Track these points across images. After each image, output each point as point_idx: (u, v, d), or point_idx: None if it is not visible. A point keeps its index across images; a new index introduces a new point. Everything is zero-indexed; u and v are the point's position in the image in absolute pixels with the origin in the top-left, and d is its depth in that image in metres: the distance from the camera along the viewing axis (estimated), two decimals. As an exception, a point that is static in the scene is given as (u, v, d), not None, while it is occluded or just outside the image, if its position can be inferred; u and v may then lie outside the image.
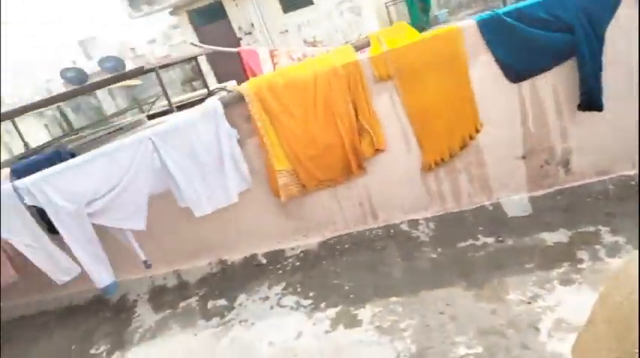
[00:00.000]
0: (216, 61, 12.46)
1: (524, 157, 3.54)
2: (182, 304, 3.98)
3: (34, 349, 4.00)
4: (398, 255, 3.53)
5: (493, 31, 3.17)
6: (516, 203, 3.63)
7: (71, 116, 14.89)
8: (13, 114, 5.38)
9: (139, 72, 4.65)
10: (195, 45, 5.05)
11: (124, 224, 3.66)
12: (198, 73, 15.06)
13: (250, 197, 3.93)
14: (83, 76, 18.01)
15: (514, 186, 3.65)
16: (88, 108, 15.14)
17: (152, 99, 5.83)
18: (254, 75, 5.33)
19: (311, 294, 3.46)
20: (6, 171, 3.72)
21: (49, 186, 3.40)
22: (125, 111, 7.20)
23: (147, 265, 3.92)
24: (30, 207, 3.52)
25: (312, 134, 3.58)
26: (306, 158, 3.68)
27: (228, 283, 4.05)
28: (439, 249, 3.42)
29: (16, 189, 3.37)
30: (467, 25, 3.24)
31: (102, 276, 3.71)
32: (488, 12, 3.21)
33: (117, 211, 3.58)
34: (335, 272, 3.62)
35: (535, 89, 3.33)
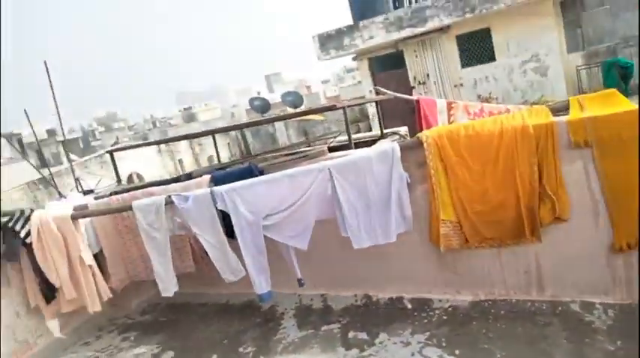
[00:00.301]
0: (383, 106, 12.98)
1: None
2: (324, 327, 4.13)
3: (194, 334, 4.53)
4: (564, 336, 3.17)
5: None
6: None
7: (249, 138, 16.78)
8: (211, 132, 6.37)
9: (331, 108, 5.13)
10: (380, 90, 5.37)
11: (290, 241, 3.99)
12: (365, 116, 15.80)
13: (408, 240, 3.96)
14: (267, 105, 20.46)
15: None
16: (264, 134, 16.91)
17: (334, 135, 6.35)
18: (428, 123, 5.43)
19: (457, 352, 3.31)
20: (207, 177, 4.38)
21: (238, 196, 3.90)
22: (301, 144, 7.95)
23: (300, 283, 4.19)
24: (218, 211, 4.07)
25: (486, 189, 3.50)
26: (474, 212, 3.60)
27: (371, 318, 4.09)
28: (618, 343, 2.99)
29: (212, 194, 3.95)
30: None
31: (262, 284, 4.07)
32: None
33: (287, 228, 3.93)
34: (487, 336, 3.40)
35: None
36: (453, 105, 5.75)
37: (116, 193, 4.67)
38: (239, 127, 6.78)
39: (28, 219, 4.15)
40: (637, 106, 3.09)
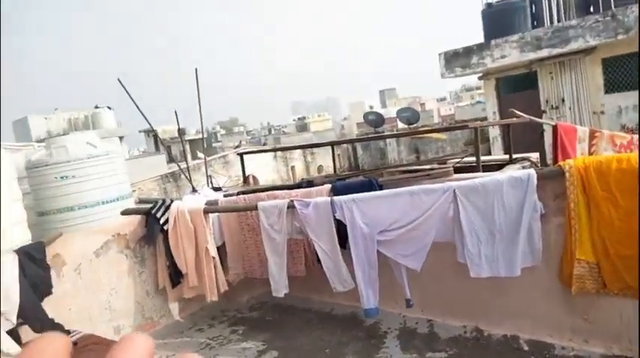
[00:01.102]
0: (507, 128, 12.21)
1: None
2: (429, 354, 3.95)
3: (298, 338, 4.63)
4: None
5: None
6: None
7: (359, 152, 16.90)
8: (330, 143, 6.54)
9: (463, 127, 4.98)
10: (515, 112, 5.07)
11: (403, 260, 3.91)
12: (485, 138, 15.05)
13: (532, 275, 3.65)
14: (381, 120, 20.39)
15: None
16: (374, 148, 16.92)
17: (463, 155, 6.14)
18: (565, 151, 4.99)
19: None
20: (328, 186, 4.49)
21: (356, 208, 3.94)
22: (415, 163, 7.82)
23: (409, 304, 4.08)
24: (335, 220, 4.14)
25: (635, 231, 3.08)
26: (618, 255, 3.20)
27: (481, 354, 3.82)
28: None
29: (332, 203, 4.03)
30: None
31: (369, 299, 4.05)
32: None
33: (401, 246, 3.86)
34: (621, 399, 2.99)
35: None
36: (596, 134, 5.22)
37: (243, 193, 4.99)
38: (359, 140, 6.88)
39: (167, 208, 4.63)
40: None
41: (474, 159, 7.23)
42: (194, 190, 5.54)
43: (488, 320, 4.09)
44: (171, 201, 4.67)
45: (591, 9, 12.85)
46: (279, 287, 4.35)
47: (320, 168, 15.69)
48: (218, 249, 4.81)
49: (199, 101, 5.85)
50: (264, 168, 13.50)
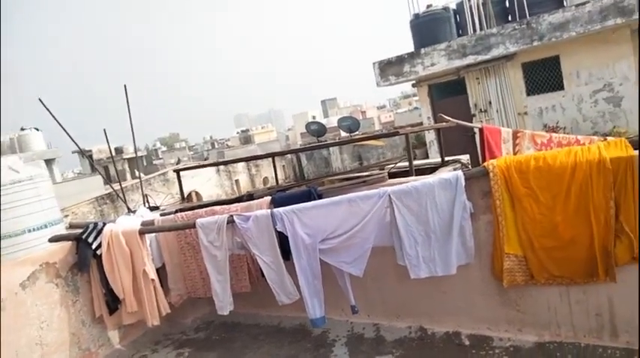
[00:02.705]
0: (442, 133, 12.77)
1: None
2: (377, 358, 4.02)
3: (246, 355, 4.54)
4: (643, 390, 2.90)
5: None
6: None
7: (303, 162, 16.97)
8: (271, 155, 6.53)
9: (394, 134, 5.12)
10: (443, 117, 5.30)
11: (345, 267, 3.96)
12: (422, 143, 15.59)
13: (468, 273, 3.83)
14: (323, 129, 20.58)
15: None
16: (318, 158, 17.04)
17: (394, 161, 6.31)
18: (492, 152, 5.28)
19: (520, 398, 3.10)
20: (268, 198, 4.47)
21: (297, 218, 3.94)
22: (358, 170, 7.97)
23: (354, 310, 4.13)
24: (277, 233, 4.13)
25: (556, 224, 3.32)
26: (542, 248, 3.42)
27: (426, 353, 3.93)
28: None
29: (272, 215, 4.02)
30: None
31: (315, 309, 4.05)
32: None
33: (344, 253, 3.91)
34: (554, 382, 3.17)
35: None
36: (519, 135, 5.57)
37: (181, 210, 4.86)
38: (298, 151, 6.92)
39: (100, 231, 4.41)
40: None
41: (420, 162, 7.49)
42: (130, 211, 5.32)
43: (431, 319, 4.22)
44: (104, 224, 4.45)
45: (509, 18, 13.77)
46: (224, 305, 4.26)
47: (265, 180, 15.58)
48: (158, 270, 4.63)
49: (130, 118, 5.65)
50: (208, 184, 13.22)
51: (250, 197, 4.73)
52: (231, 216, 4.14)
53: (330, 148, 16.81)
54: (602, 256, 3.19)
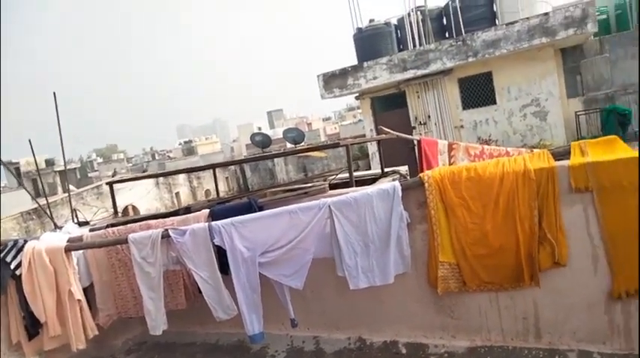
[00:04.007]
0: (384, 145, 13.08)
1: None
2: (317, 372, 3.98)
3: (182, 375, 4.36)
4: (564, 389, 3.04)
5: None
6: None
7: (248, 173, 16.80)
8: (211, 166, 6.36)
9: (335, 145, 5.15)
10: (384, 129, 5.41)
11: (285, 280, 3.90)
12: (365, 154, 15.87)
13: (405, 282, 3.89)
14: (268, 141, 20.51)
15: None
16: (263, 169, 16.92)
17: (335, 172, 6.35)
18: (429, 163, 5.44)
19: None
20: (205, 211, 4.34)
21: (235, 231, 3.85)
22: (301, 181, 7.97)
23: (293, 324, 4.07)
24: (215, 246, 4.01)
25: (486, 232, 3.45)
26: (474, 255, 3.54)
27: (365, 364, 3.94)
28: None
29: (210, 229, 3.90)
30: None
31: (254, 324, 3.95)
32: None
33: (283, 266, 3.85)
34: (485, 386, 3.27)
35: None
36: (454, 146, 5.78)
37: (113, 225, 4.61)
38: (240, 162, 6.83)
39: (20, 249, 4.08)
40: (637, 153, 3.08)
41: (361, 173, 7.58)
42: (56, 227, 4.98)
43: (369, 329, 4.24)
44: (25, 242, 4.13)
45: (447, 34, 14.42)
46: (157, 324, 4.06)
47: (207, 193, 15.23)
48: (85, 289, 4.35)
49: (59, 128, 5.32)
50: (147, 197, 12.72)
51: (187, 210, 4.57)
52: (167, 230, 3.98)
53: (275, 160, 16.75)
54: (528, 262, 3.35)
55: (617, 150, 3.25)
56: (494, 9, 14.43)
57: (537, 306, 3.50)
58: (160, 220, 4.40)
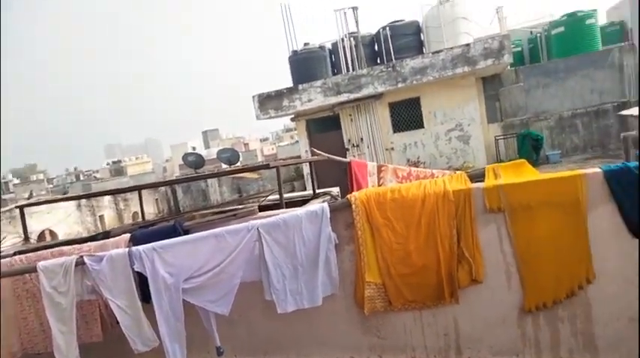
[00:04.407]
0: (318, 166, 13.25)
1: (641, 321, 3.15)
2: (244, 401, 3.84)
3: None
4: (483, 403, 3.15)
5: (621, 183, 3.09)
6: (629, 373, 3.16)
7: (179, 195, 16.26)
8: (136, 188, 6.10)
9: (265, 167, 5.11)
10: (315, 151, 5.47)
11: (211, 306, 3.76)
12: (300, 175, 15.95)
13: (333, 303, 3.89)
14: (201, 161, 20.08)
15: (626, 351, 3.24)
16: (195, 190, 16.48)
17: (266, 194, 6.29)
18: (359, 185, 5.55)
19: None
20: (126, 236, 4.12)
21: (158, 257, 3.67)
22: (234, 202, 7.84)
23: (219, 352, 3.92)
24: (135, 273, 3.80)
25: (410, 252, 3.56)
26: (398, 275, 3.63)
27: (295, 390, 3.86)
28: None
29: (130, 255, 3.69)
30: (592, 172, 3.19)
31: (176, 355, 3.76)
32: (618, 163, 3.17)
33: (209, 292, 3.72)
34: (410, 405, 3.31)
35: (661, 248, 3.05)
36: (382, 168, 5.95)
37: (21, 253, 4.24)
38: (166, 184, 6.57)
39: None
40: (543, 176, 3.34)
41: (293, 195, 7.55)
42: (-46, 255, 4.49)
43: (298, 353, 4.18)
44: None
45: (378, 60, 15.02)
46: (69, 359, 3.75)
47: (135, 215, 14.52)
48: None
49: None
50: (67, 220, 11.91)
51: (106, 235, 4.32)
52: (82, 256, 3.72)
53: (209, 181, 16.38)
54: (448, 280, 3.48)
55: (525, 172, 3.50)
56: (422, 38, 15.27)
57: (457, 322, 3.63)
58: (76, 246, 4.11)
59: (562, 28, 15.67)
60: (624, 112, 9.99)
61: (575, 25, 15.37)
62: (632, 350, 3.21)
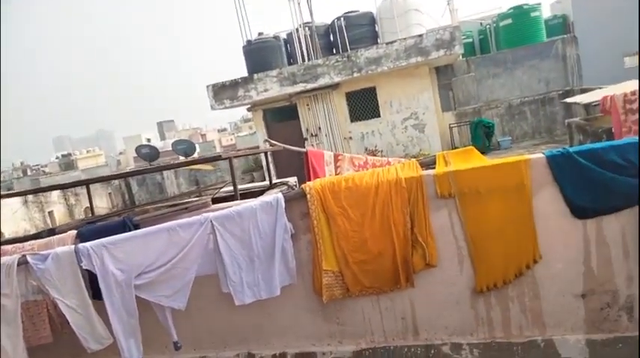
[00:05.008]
0: (277, 156, 13.19)
1: (583, 296, 3.36)
2: (203, 395, 3.80)
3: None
4: (438, 382, 3.27)
5: (563, 167, 3.22)
6: (571, 344, 3.38)
7: (134, 188, 15.82)
8: (84, 182, 5.84)
9: (217, 158, 5.00)
10: (270, 141, 5.41)
11: (166, 301, 3.68)
12: (260, 166, 15.83)
13: (291, 293, 3.89)
14: (156, 153, 19.52)
15: (570, 325, 3.43)
16: (151, 183, 16.05)
17: (220, 185, 6.18)
18: (316, 174, 5.56)
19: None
20: (72, 233, 3.95)
21: (107, 253, 3.55)
22: (190, 194, 7.67)
23: (177, 347, 3.85)
24: (84, 271, 3.66)
25: (365, 239, 3.60)
26: (355, 262, 3.67)
27: (254, 381, 3.86)
28: (485, 383, 3.14)
29: (76, 252, 3.54)
30: (535, 158, 3.32)
31: (132, 351, 3.67)
32: (559, 149, 3.30)
33: (163, 287, 3.64)
34: (368, 388, 3.38)
35: (601, 228, 3.25)
36: (339, 158, 5.98)
37: (-44, 254, 3.98)
38: (117, 177, 6.33)
39: None
40: (490, 162, 3.45)
41: (249, 186, 7.46)
42: None
43: (258, 344, 4.17)
44: None
45: (334, 50, 15.01)
46: (16, 363, 3.57)
47: (87, 210, 13.98)
48: None
49: None
50: (13, 218, 11.31)
51: (52, 232, 4.12)
52: (24, 255, 3.54)
53: (165, 173, 15.96)
54: (403, 265, 3.56)
55: (473, 159, 3.61)
56: (376, 29, 15.38)
57: (414, 306, 3.73)
58: (18, 245, 3.91)
59: (509, 20, 16.24)
60: (568, 100, 10.49)
61: (522, 17, 15.97)
62: (576, 324, 3.40)
